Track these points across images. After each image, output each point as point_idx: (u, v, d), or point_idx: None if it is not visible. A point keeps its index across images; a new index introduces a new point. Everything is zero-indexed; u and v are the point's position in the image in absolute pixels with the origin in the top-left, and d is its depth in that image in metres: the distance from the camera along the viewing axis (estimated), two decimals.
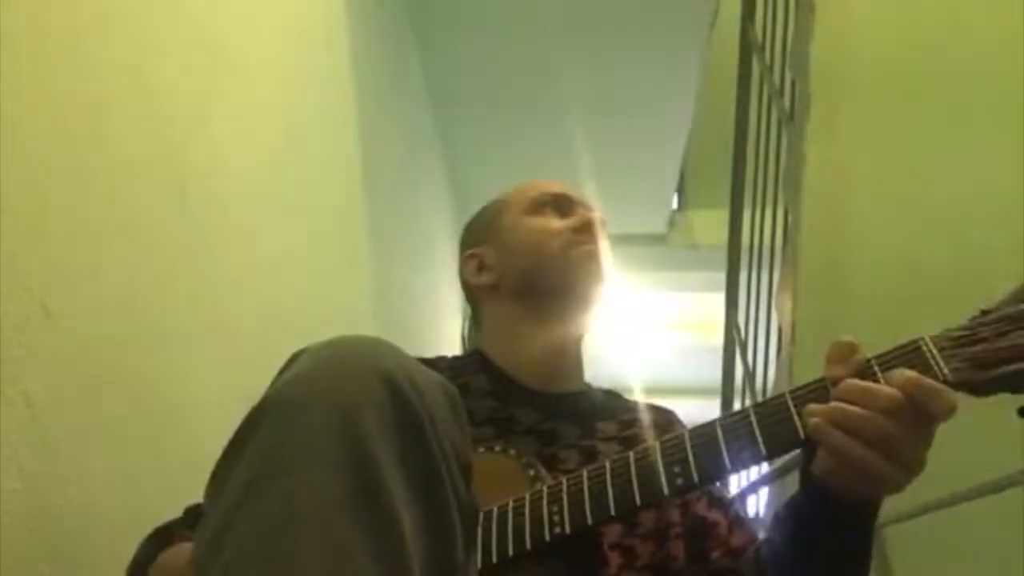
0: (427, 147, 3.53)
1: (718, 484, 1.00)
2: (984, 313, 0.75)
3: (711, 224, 4.27)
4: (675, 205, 4.98)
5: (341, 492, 0.56)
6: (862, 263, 2.12)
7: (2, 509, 0.77)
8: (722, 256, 2.86)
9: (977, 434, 1.26)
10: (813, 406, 0.74)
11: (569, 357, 1.10)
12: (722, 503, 1.00)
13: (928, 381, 0.71)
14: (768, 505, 2.21)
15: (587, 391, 1.10)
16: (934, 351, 0.73)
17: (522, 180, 1.21)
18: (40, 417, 0.83)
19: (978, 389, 0.72)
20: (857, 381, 0.73)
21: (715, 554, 0.96)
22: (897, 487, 0.73)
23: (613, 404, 1.09)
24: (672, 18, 3.05)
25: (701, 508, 0.98)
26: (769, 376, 2.21)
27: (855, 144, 2.15)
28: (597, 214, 1.13)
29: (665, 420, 1.07)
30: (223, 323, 1.30)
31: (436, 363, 1.10)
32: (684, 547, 0.95)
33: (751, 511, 2.27)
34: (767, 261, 2.31)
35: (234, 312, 1.34)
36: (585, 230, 1.10)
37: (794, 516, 0.82)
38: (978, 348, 0.73)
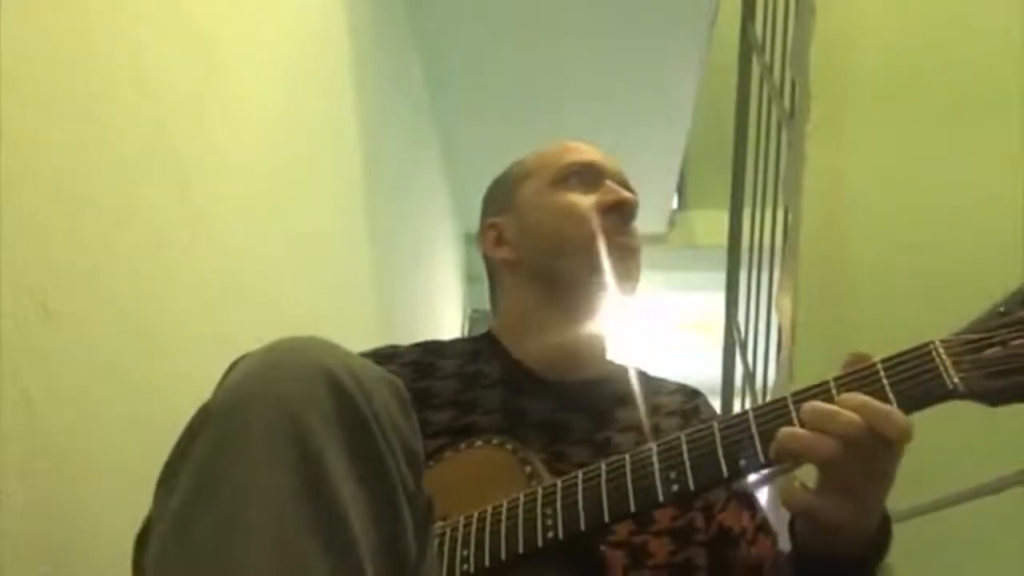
0: (427, 147, 3.53)
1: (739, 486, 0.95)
2: (1000, 315, 0.69)
3: (711, 224, 4.26)
4: (675, 205, 4.97)
5: (286, 491, 0.55)
6: (862, 263, 2.11)
7: (2, 509, 0.77)
8: (722, 256, 2.85)
9: (977, 434, 1.26)
10: (785, 429, 0.70)
11: (589, 344, 1.03)
12: (749, 503, 0.95)
13: (877, 405, 0.67)
14: (768, 506, 2.20)
15: (609, 376, 1.03)
16: (944, 357, 0.68)
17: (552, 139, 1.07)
18: (40, 417, 0.83)
19: (993, 398, 0.67)
20: (818, 404, 0.69)
21: (737, 571, 0.91)
22: (856, 521, 0.71)
23: (637, 388, 1.02)
24: (672, 18, 3.04)
25: (726, 518, 0.93)
26: (769, 376, 2.20)
27: (855, 144, 2.15)
28: (628, 194, 1.02)
29: (691, 405, 1.01)
30: (223, 323, 1.29)
31: (451, 346, 1.06)
32: (707, 556, 0.91)
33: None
34: (767, 261, 2.30)
35: (234, 312, 1.34)
36: (614, 213, 1.00)
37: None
38: (992, 353, 0.67)
